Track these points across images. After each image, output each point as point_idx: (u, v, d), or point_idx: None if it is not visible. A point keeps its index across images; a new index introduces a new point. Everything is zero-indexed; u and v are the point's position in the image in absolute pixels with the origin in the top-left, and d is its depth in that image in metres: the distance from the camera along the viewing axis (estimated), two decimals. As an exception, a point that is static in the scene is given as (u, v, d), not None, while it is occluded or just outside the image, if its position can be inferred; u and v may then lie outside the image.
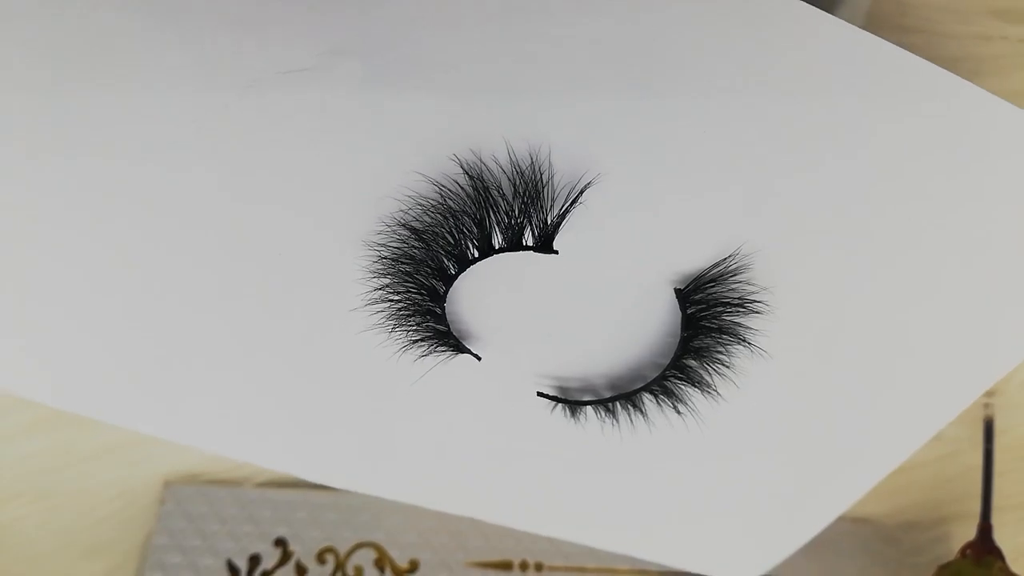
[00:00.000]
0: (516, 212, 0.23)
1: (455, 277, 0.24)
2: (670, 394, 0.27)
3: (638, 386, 0.27)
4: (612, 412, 0.28)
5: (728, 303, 0.25)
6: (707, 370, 0.27)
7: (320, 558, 0.38)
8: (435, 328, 0.25)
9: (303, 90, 0.22)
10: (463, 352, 0.26)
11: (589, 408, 0.28)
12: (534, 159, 0.23)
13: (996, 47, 0.33)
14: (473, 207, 0.23)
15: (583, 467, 0.31)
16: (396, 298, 0.25)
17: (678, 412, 0.28)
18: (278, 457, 0.32)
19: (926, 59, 0.34)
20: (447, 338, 0.26)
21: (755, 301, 0.26)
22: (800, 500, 0.32)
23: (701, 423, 0.28)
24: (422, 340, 0.26)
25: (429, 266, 0.24)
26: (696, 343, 0.26)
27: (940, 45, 0.33)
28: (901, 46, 0.33)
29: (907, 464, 0.42)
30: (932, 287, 0.26)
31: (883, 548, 0.41)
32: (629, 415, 0.28)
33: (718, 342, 0.26)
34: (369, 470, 0.32)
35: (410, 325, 0.25)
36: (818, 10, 0.21)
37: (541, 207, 0.23)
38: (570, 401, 0.28)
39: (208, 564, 0.37)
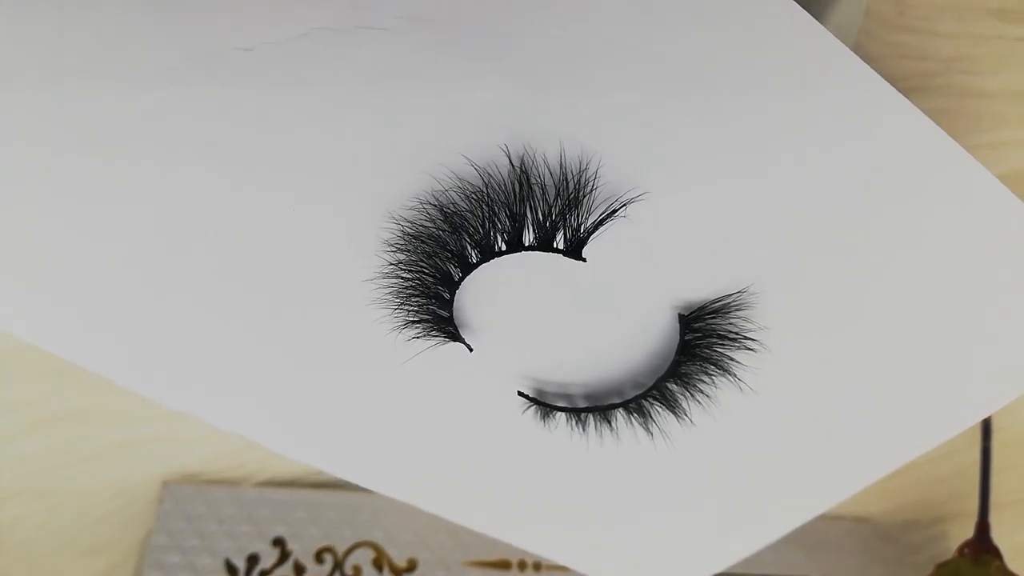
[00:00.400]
0: (554, 213, 0.23)
1: (474, 266, 0.24)
2: (644, 414, 0.27)
3: (614, 401, 0.27)
4: (583, 423, 0.28)
5: (726, 336, 0.26)
6: (687, 396, 0.27)
7: (318, 557, 0.38)
8: (436, 312, 0.25)
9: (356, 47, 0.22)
10: (456, 340, 0.26)
11: (561, 415, 0.28)
12: (584, 165, 0.23)
13: (993, 46, 0.33)
14: (513, 200, 0.23)
15: (556, 474, 0.31)
16: (407, 275, 0.25)
17: (648, 432, 0.28)
18: (263, 429, 0.31)
19: (923, 58, 0.34)
20: (445, 324, 0.26)
21: (751, 339, 0.26)
22: (770, 507, 0.32)
23: (672, 442, 0.28)
24: (419, 322, 0.26)
25: (450, 250, 0.24)
26: (684, 369, 0.26)
27: (937, 44, 0.34)
28: (898, 45, 0.34)
29: (906, 463, 0.42)
30: (930, 320, 0.26)
31: (882, 547, 0.41)
32: (598, 428, 0.28)
33: (706, 371, 0.26)
34: (354, 454, 0.32)
35: (412, 304, 0.25)
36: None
37: (579, 213, 0.23)
38: (545, 404, 0.28)
39: (206, 564, 0.38)
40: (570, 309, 0.26)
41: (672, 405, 0.27)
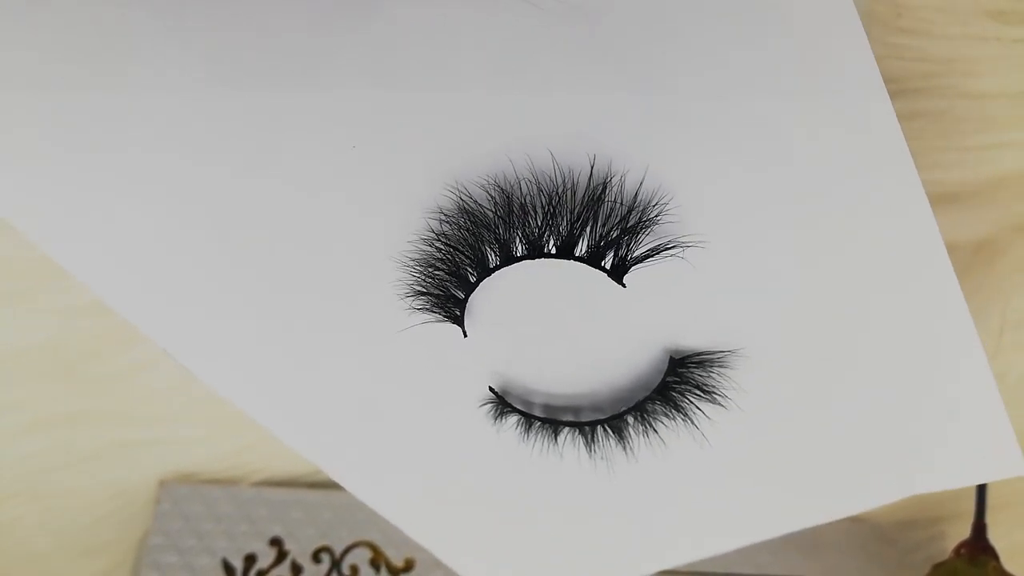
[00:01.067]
0: (611, 235, 0.24)
1: (515, 260, 0.24)
2: (591, 439, 0.28)
3: (567, 418, 0.28)
4: (529, 429, 0.28)
5: (702, 388, 0.27)
6: (640, 431, 0.28)
7: (316, 557, 0.38)
8: (451, 291, 0.25)
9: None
10: (456, 322, 0.26)
11: (515, 417, 0.28)
12: (657, 198, 0.24)
13: (991, 48, 0.33)
14: (582, 209, 0.24)
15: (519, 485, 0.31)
16: (441, 246, 0.25)
17: (589, 453, 0.28)
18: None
19: (921, 60, 0.34)
20: (453, 305, 0.25)
21: (725, 396, 0.27)
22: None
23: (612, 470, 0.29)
24: (430, 294, 0.26)
25: (497, 236, 0.24)
26: (650, 406, 0.27)
27: (935, 46, 0.33)
28: (896, 47, 0.34)
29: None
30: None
31: (879, 547, 0.41)
32: (544, 440, 0.28)
33: (667, 414, 0.27)
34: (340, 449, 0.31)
35: (433, 275, 0.25)
36: None
37: (635, 240, 0.24)
38: (508, 405, 0.28)
39: (204, 563, 0.38)
40: (576, 325, 0.27)
41: (621, 436, 0.28)
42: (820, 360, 0.27)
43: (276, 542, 0.39)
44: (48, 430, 0.39)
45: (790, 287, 0.26)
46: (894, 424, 0.28)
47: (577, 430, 0.28)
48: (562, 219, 0.24)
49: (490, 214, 0.24)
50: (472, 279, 0.25)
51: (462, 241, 0.24)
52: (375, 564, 0.38)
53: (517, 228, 0.24)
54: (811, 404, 0.28)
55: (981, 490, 0.37)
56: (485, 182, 0.24)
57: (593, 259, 0.24)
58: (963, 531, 0.37)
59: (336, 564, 0.38)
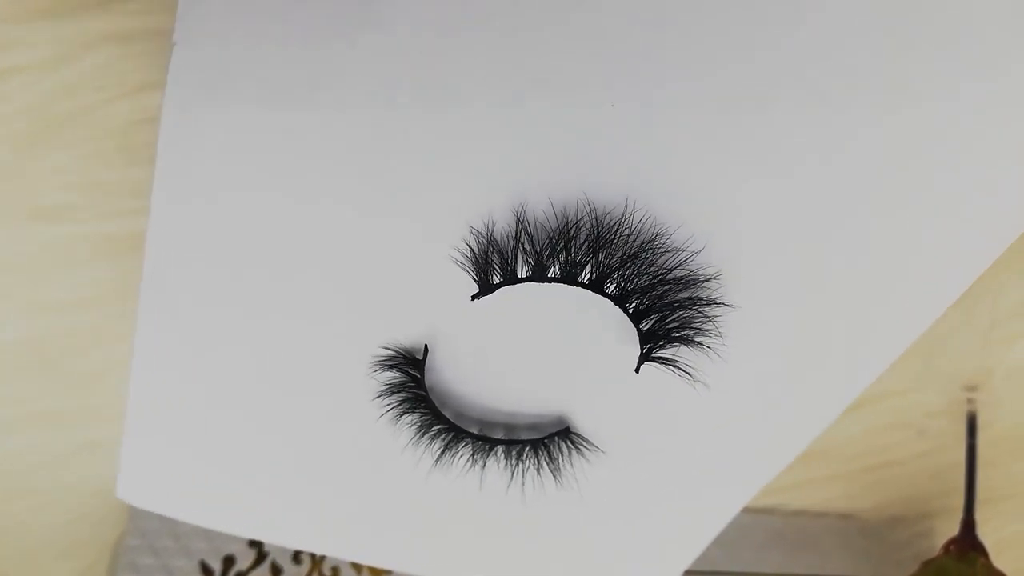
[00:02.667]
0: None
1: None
2: (479, 454, 0.27)
3: (472, 429, 0.27)
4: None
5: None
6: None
7: (296, 558, 0.38)
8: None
9: None
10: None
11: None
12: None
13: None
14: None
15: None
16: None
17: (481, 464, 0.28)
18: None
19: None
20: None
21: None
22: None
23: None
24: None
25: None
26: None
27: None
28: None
29: (892, 459, 0.41)
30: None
31: (866, 543, 0.41)
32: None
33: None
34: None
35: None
36: None
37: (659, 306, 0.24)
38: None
39: (181, 565, 0.37)
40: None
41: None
42: None
43: (255, 543, 0.38)
44: (24, 429, 0.39)
45: None
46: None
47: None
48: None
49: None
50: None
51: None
52: (356, 566, 0.38)
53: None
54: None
55: (970, 487, 0.37)
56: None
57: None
58: (952, 527, 0.37)
59: (316, 565, 0.38)
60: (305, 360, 0.26)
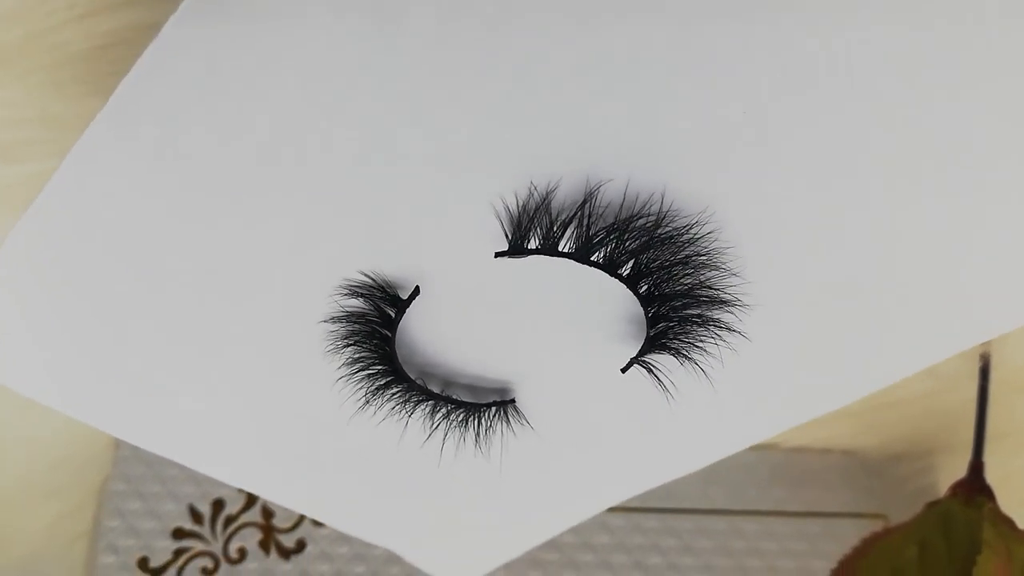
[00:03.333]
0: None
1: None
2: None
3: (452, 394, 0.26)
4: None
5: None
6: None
7: (287, 501, 0.37)
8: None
9: None
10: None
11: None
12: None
13: None
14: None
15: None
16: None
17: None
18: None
19: None
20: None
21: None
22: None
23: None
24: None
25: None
26: None
27: None
28: None
29: (897, 399, 0.40)
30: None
31: (868, 480, 0.40)
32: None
33: None
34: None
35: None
36: None
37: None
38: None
39: (169, 510, 0.36)
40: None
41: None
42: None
43: (245, 486, 0.37)
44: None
45: None
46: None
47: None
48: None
49: None
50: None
51: None
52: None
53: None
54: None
55: (980, 429, 0.36)
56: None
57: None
58: (954, 463, 0.36)
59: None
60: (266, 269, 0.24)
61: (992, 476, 0.35)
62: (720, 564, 0.38)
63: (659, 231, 0.21)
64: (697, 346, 0.23)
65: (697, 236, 0.22)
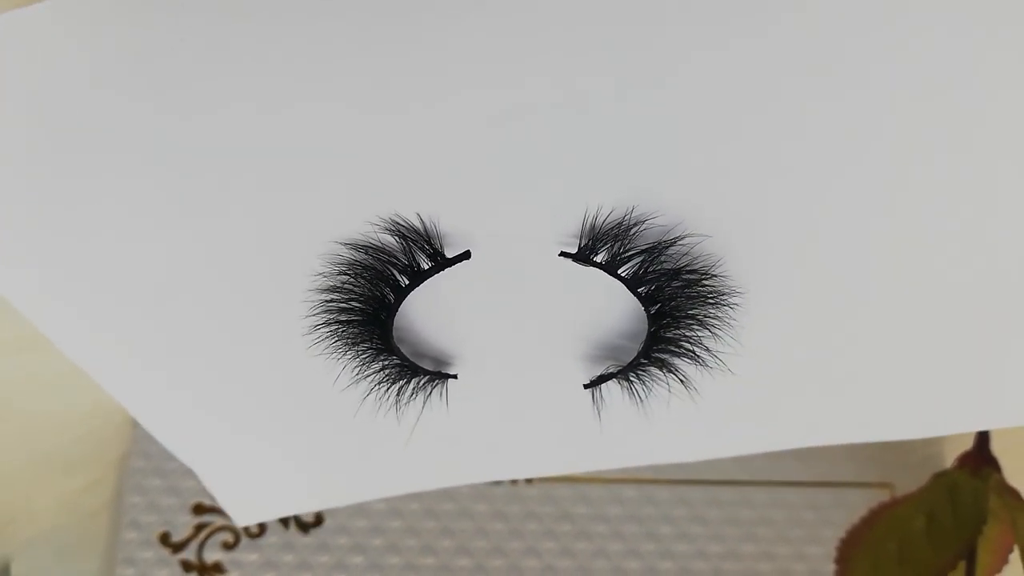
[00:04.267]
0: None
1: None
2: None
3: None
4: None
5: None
6: None
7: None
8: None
9: None
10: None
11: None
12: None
13: None
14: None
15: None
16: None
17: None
18: None
19: None
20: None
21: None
22: None
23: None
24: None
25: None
26: None
27: None
28: None
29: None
30: None
31: (874, 451, 0.41)
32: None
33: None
34: None
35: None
36: None
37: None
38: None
39: (189, 486, 0.37)
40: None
41: None
42: None
43: (263, 461, 0.37)
44: (23, 350, 0.37)
45: None
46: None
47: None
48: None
49: None
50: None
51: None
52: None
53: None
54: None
55: (987, 400, 0.36)
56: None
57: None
58: (960, 434, 0.37)
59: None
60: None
61: (998, 447, 0.36)
62: (730, 533, 0.38)
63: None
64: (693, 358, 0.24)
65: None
